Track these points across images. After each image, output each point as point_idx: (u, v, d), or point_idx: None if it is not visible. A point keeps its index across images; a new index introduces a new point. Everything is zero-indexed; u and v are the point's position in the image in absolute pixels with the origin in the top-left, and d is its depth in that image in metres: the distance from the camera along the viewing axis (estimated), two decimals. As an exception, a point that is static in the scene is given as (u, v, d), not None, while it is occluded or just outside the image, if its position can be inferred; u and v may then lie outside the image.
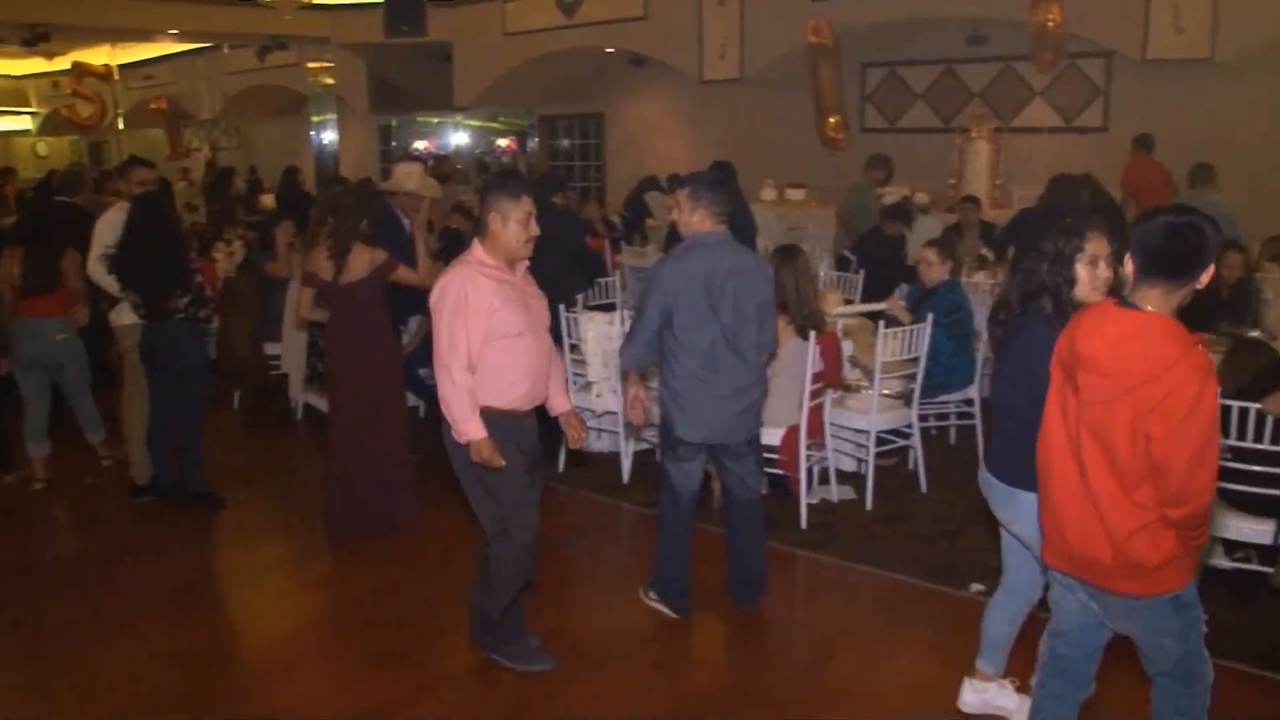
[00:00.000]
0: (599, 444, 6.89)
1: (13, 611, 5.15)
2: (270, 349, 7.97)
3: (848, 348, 6.17)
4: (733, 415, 4.59)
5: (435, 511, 6.05)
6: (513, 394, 4.14)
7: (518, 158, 17.17)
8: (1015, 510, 3.57)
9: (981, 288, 7.89)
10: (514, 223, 4.06)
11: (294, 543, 5.90)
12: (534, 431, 4.33)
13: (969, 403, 6.63)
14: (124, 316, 6.21)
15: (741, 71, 13.82)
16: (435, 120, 18.76)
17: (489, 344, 4.03)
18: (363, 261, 5.59)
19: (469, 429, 4.02)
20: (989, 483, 3.68)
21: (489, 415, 4.06)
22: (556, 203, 6.98)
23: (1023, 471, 3.41)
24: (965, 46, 12.75)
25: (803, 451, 5.66)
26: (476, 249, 4.12)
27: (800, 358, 5.53)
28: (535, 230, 4.13)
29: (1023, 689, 3.88)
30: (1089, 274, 3.46)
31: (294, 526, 6.09)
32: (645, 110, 16.60)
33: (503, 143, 18.08)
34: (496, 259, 4.10)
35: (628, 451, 6.39)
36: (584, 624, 4.84)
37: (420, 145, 18.71)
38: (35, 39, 14.77)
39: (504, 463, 4.06)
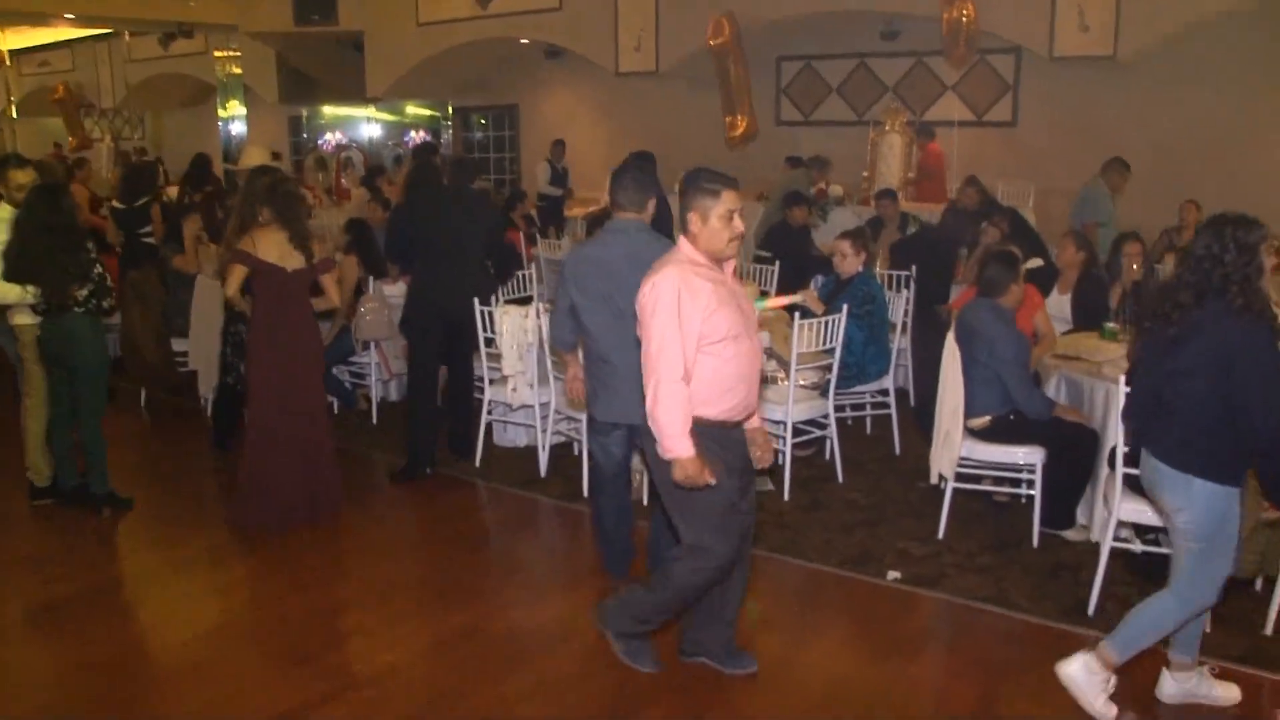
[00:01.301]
0: (516, 438, 6.86)
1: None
2: (178, 345, 7.76)
3: (764, 339, 6.20)
4: (638, 398, 4.45)
5: (347, 510, 5.95)
6: (726, 403, 3.85)
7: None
8: (1187, 496, 3.64)
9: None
10: (715, 219, 3.73)
11: (204, 543, 5.74)
12: (743, 443, 4.03)
13: (884, 393, 6.71)
14: (20, 315, 5.98)
15: (657, 64, 13.83)
16: (346, 112, 18.46)
17: (703, 349, 3.75)
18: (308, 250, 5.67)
19: (677, 446, 3.73)
20: (1159, 470, 3.72)
21: (699, 426, 3.78)
22: (475, 189, 6.89)
23: (1200, 458, 3.56)
24: (879, 41, 12.91)
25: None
26: (685, 246, 3.81)
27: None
28: (740, 227, 3.80)
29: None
30: (1270, 261, 3.59)
31: (204, 527, 5.94)
32: (561, 102, 16.54)
33: (414, 135, 17.87)
34: (705, 257, 3.81)
35: (545, 445, 6.34)
36: (502, 620, 4.78)
37: (331, 137, 18.43)
38: (-81, 22, 14.23)
39: (713, 480, 3.80)
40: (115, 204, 9.04)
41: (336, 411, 7.51)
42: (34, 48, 20.98)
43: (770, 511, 5.86)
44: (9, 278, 5.68)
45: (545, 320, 6.03)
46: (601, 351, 4.59)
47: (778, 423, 6.09)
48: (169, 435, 7.66)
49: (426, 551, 5.62)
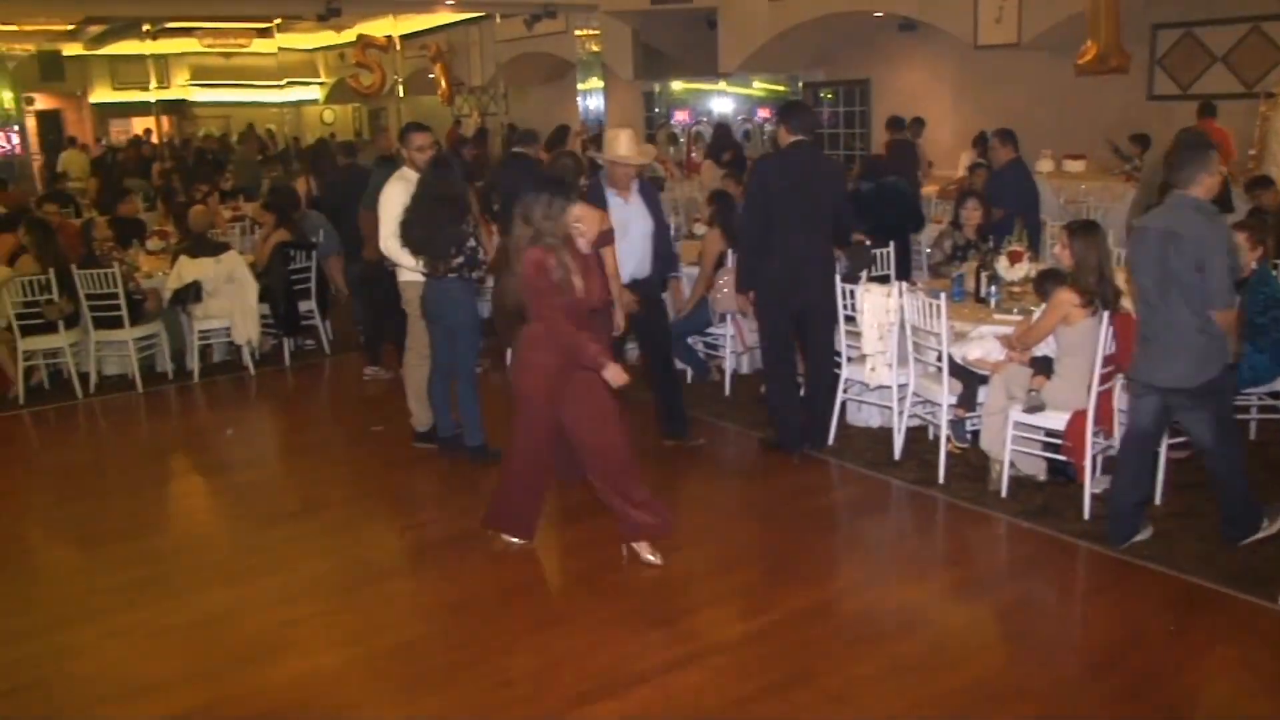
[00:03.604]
0: (870, 418, 6.76)
1: (303, 547, 5.53)
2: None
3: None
4: (1156, 356, 4.82)
5: (700, 480, 6.05)
6: None
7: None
8: None
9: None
10: None
11: (563, 501, 6.02)
12: None
13: (1276, 395, 6.09)
14: (407, 275, 6.48)
15: (1019, 36, 13.17)
16: (697, 87, 18.80)
17: None
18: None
19: None
20: None
21: None
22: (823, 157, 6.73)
23: None
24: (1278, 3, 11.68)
25: (1089, 438, 5.34)
26: None
27: (1092, 338, 5.22)
28: None
29: None
30: None
31: (562, 484, 6.24)
32: (913, 77, 16.09)
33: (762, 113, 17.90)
34: None
35: (900, 427, 6.21)
36: (853, 601, 4.75)
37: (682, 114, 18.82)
38: (328, 13, 15.65)
39: None
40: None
41: (690, 381, 7.73)
42: (416, 33, 22.75)
43: (1141, 516, 5.46)
44: (402, 242, 6.18)
45: (907, 299, 5.90)
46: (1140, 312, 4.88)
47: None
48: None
49: (777, 525, 5.62)
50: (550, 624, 4.63)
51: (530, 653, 4.38)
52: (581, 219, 5.75)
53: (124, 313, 8.25)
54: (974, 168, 10.95)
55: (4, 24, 15.75)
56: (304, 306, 9.26)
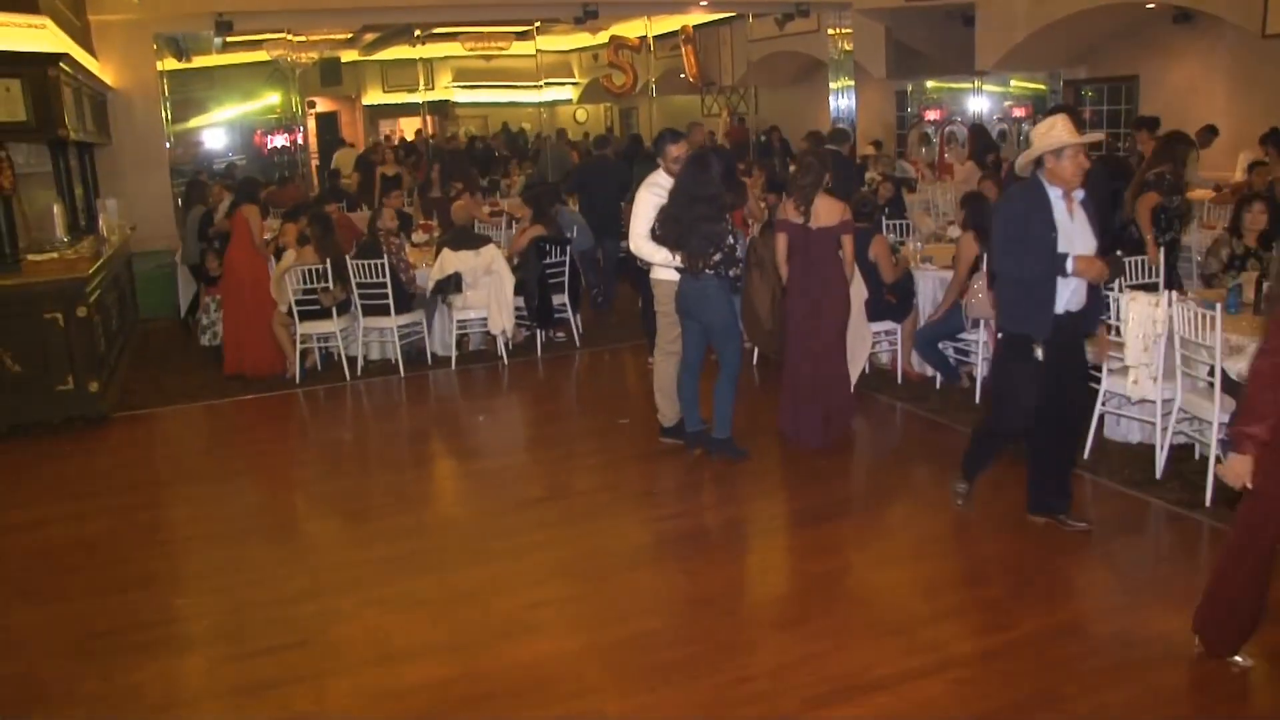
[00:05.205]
0: (1129, 433, 6.41)
1: (548, 533, 5.72)
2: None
3: None
4: None
5: (945, 488, 5.88)
6: None
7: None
8: None
9: None
10: None
11: (807, 501, 6.01)
12: None
13: None
14: (660, 273, 6.59)
15: (1317, 22, 12.13)
16: (950, 85, 18.28)
17: None
18: (831, 211, 6.38)
19: None
20: None
21: None
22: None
23: None
24: None
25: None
26: None
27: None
28: None
29: None
30: None
31: (807, 485, 6.22)
32: (1185, 72, 15.07)
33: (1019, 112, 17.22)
34: None
35: (1163, 444, 5.85)
36: (1107, 624, 4.51)
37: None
38: (585, 16, 16.08)
39: None
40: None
41: (938, 387, 7.59)
42: (668, 34, 23.07)
43: None
44: (659, 240, 6.30)
45: (1176, 309, 5.56)
46: None
47: None
48: (775, 394, 8.08)
49: (1026, 540, 5.37)
50: (790, 624, 4.64)
51: (768, 651, 4.40)
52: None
53: (390, 301, 8.78)
54: (1254, 166, 10.21)
55: (293, 35, 17.09)
56: (557, 300, 9.58)
